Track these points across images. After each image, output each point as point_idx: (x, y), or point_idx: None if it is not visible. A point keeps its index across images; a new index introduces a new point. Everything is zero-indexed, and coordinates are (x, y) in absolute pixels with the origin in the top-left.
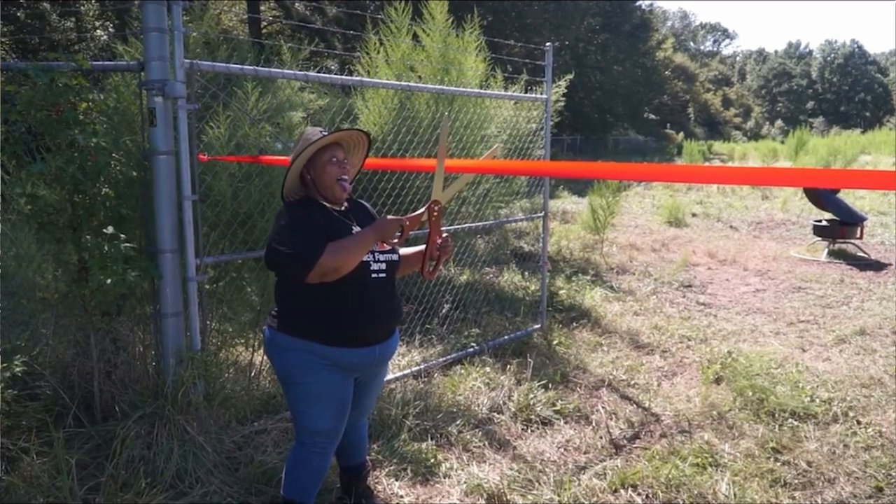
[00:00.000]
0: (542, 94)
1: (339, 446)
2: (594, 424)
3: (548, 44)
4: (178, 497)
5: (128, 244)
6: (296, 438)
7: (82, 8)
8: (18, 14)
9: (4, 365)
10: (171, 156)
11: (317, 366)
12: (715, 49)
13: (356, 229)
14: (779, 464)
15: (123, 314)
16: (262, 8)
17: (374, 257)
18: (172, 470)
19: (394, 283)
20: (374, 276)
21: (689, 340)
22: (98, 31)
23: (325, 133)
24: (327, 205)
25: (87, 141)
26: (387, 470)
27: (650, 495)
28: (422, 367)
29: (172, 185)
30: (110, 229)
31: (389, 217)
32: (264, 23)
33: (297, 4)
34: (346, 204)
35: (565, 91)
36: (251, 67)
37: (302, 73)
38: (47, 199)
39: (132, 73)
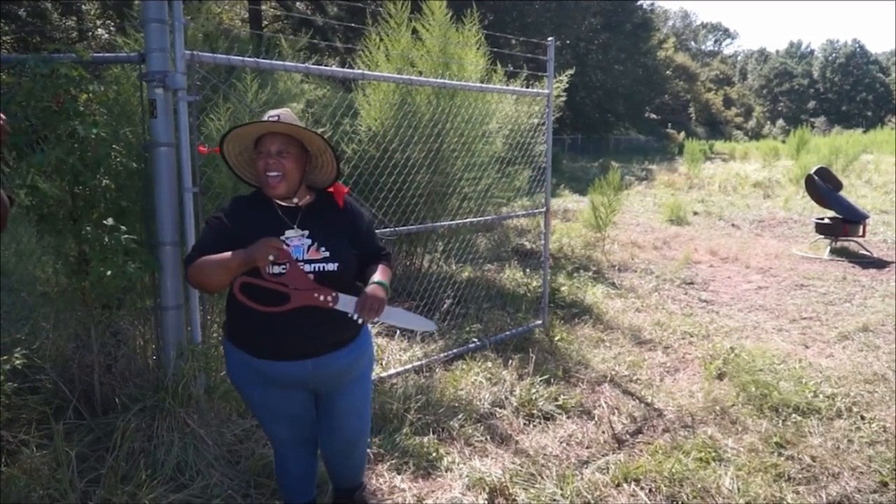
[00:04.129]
0: (543, 89)
1: (327, 466)
2: (596, 419)
3: (550, 38)
4: (178, 489)
5: (128, 236)
6: None
7: (84, 7)
8: (20, 12)
9: (5, 358)
10: (172, 147)
11: (253, 378)
12: (716, 49)
13: (291, 232)
14: (782, 458)
15: (124, 308)
16: (263, 7)
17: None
18: (173, 462)
19: None
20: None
21: (692, 337)
22: (99, 29)
23: (277, 118)
24: (278, 202)
25: (87, 132)
26: (388, 464)
27: (653, 489)
28: (423, 361)
29: (173, 177)
30: (110, 221)
31: (269, 239)
32: (265, 21)
33: (297, 3)
34: (307, 198)
35: (566, 87)
36: (252, 59)
37: (303, 65)
38: (47, 190)
39: (132, 64)
